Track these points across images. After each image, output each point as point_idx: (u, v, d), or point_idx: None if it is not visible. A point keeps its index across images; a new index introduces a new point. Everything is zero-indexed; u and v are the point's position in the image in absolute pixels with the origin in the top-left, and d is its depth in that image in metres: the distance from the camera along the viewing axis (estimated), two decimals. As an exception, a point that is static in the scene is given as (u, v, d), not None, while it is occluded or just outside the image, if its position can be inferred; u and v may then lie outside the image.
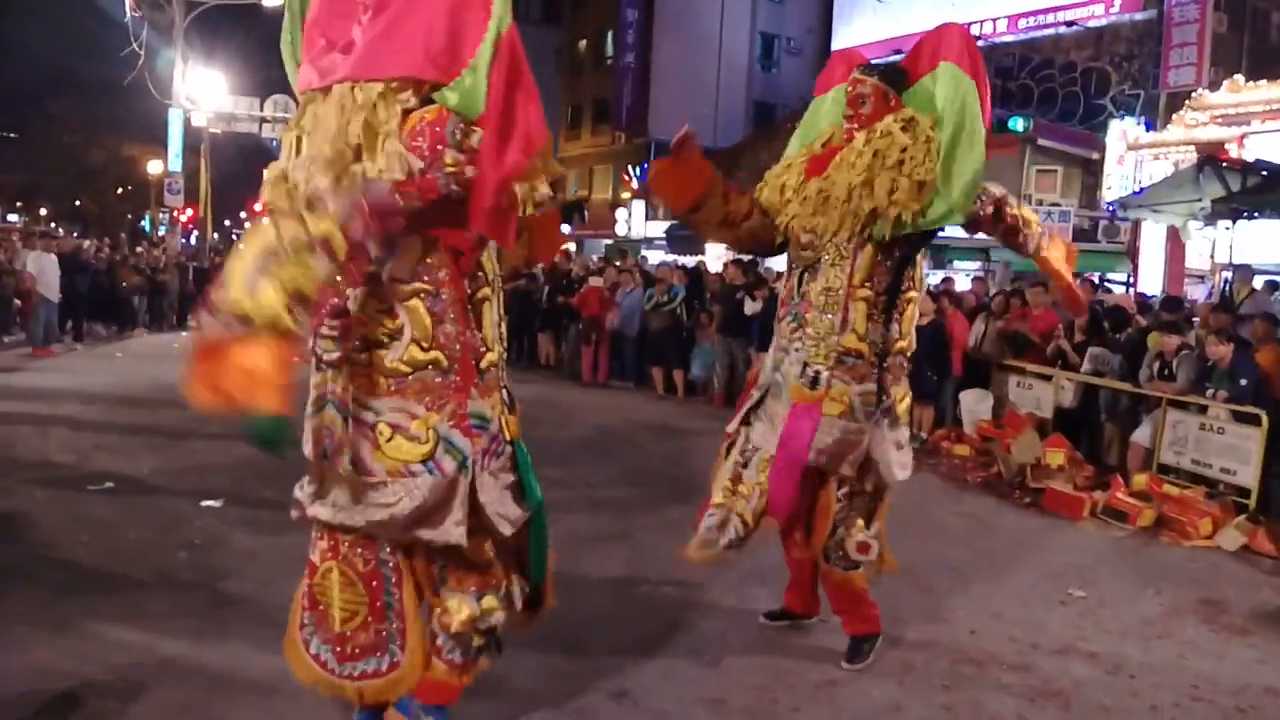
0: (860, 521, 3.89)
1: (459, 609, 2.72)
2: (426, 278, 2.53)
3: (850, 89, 3.84)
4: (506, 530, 2.72)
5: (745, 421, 4.04)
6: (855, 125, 3.78)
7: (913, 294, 3.85)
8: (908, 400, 3.96)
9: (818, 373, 3.74)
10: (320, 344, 2.58)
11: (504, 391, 2.79)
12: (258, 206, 2.83)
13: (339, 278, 2.35)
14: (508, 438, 2.76)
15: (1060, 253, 4.12)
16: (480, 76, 2.43)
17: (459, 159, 2.38)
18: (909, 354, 3.90)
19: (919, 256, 3.86)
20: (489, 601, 2.75)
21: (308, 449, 2.64)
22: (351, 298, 2.53)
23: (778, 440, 3.80)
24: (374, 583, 2.70)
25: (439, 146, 2.37)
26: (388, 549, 2.69)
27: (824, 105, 4.16)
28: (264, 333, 2.11)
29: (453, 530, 2.58)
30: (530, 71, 2.57)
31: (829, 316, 3.74)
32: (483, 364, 2.66)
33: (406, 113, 2.41)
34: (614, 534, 5.64)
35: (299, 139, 2.54)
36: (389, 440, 2.54)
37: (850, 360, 3.73)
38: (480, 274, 2.67)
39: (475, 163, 2.39)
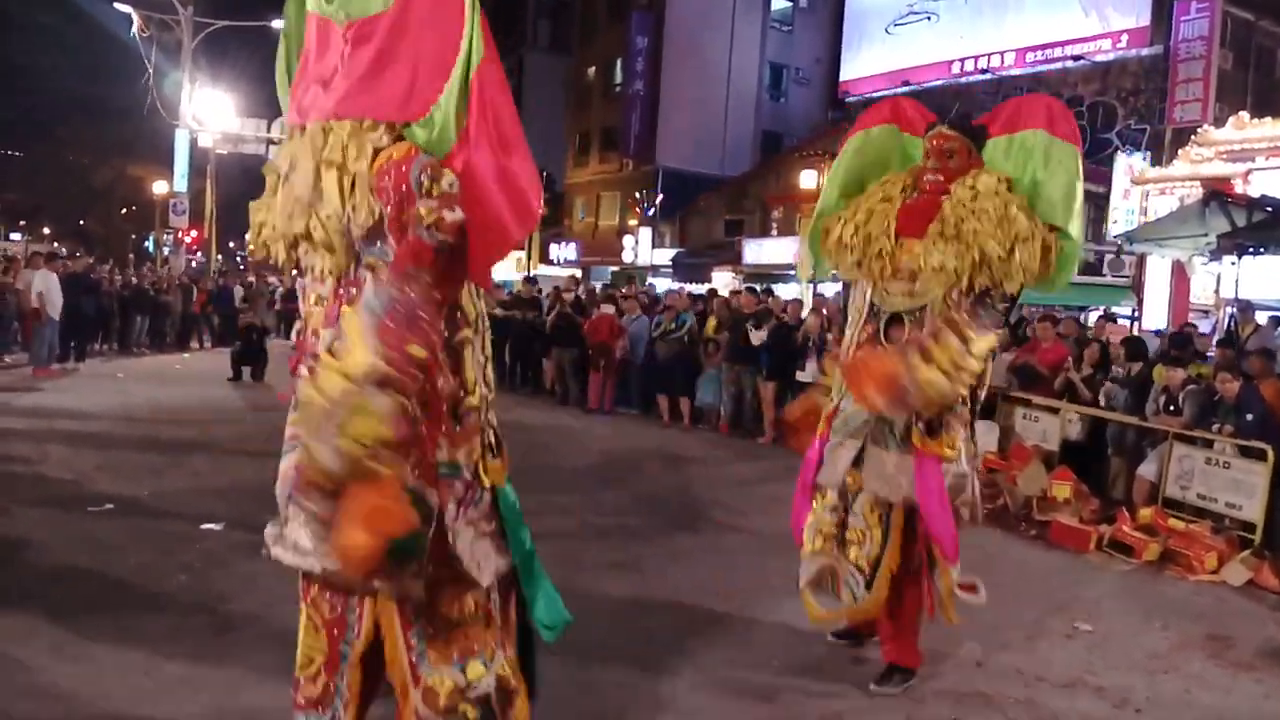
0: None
1: (441, 682, 2.46)
2: None
3: (935, 141, 3.99)
4: (485, 580, 2.49)
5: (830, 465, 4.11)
6: (942, 177, 3.92)
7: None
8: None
9: (930, 421, 3.85)
10: (299, 385, 2.40)
11: (489, 434, 2.59)
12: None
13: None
14: (486, 484, 2.54)
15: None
16: (449, 113, 2.33)
17: (433, 206, 2.20)
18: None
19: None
20: (475, 669, 2.49)
21: (278, 489, 2.53)
22: (323, 338, 2.38)
23: (897, 486, 3.89)
24: (335, 631, 2.54)
25: (403, 187, 2.24)
26: (355, 602, 2.50)
27: (869, 144, 4.29)
28: (362, 486, 2.07)
29: (409, 584, 2.38)
30: (513, 104, 2.49)
31: None
32: (461, 409, 2.46)
33: (377, 151, 2.33)
34: (620, 562, 5.60)
35: (279, 178, 2.50)
36: None
37: (958, 408, 3.89)
38: (459, 315, 2.46)
39: (453, 206, 2.22)
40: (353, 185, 2.31)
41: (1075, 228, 3.81)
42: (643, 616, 4.75)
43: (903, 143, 4.25)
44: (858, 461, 4.01)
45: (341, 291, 2.39)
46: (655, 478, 8.34)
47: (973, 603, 4.05)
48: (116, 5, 22.15)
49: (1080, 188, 3.86)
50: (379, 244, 2.32)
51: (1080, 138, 4.00)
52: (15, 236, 53.71)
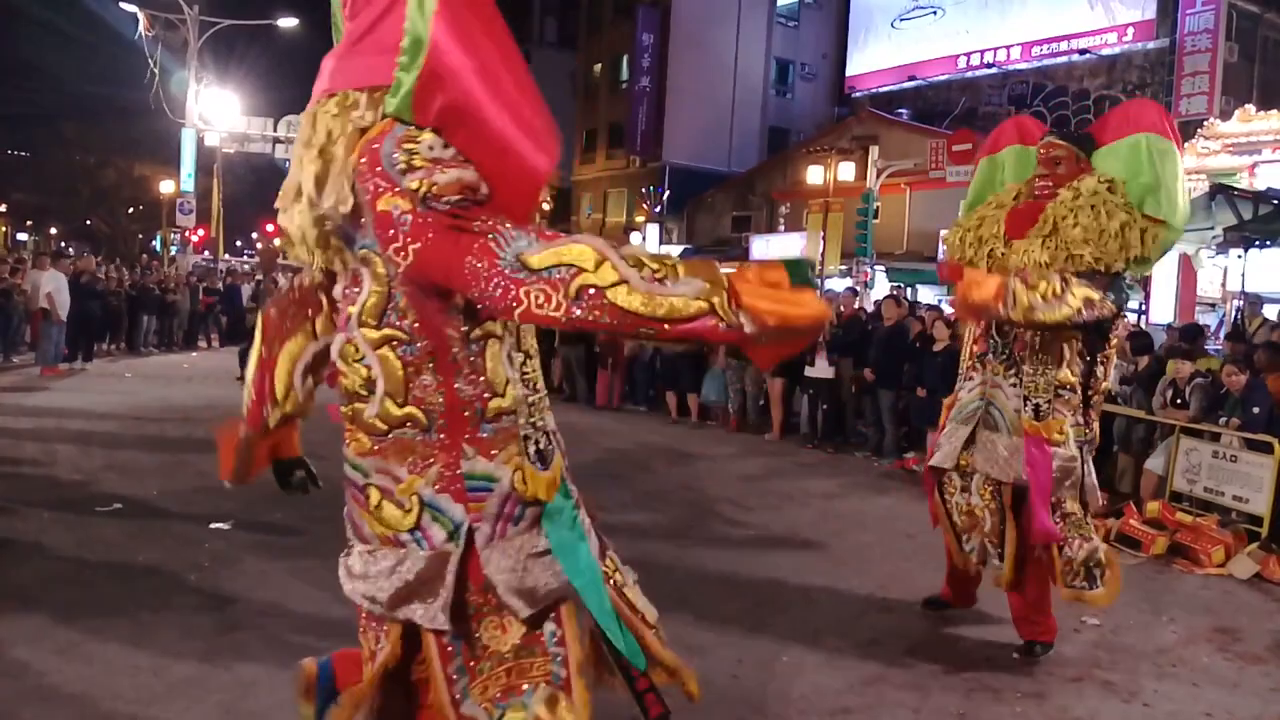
0: (1079, 541, 4.30)
1: None
2: (397, 321, 2.10)
3: (1043, 151, 4.36)
4: (523, 612, 2.18)
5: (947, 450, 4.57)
6: (1051, 183, 4.27)
7: (1114, 341, 4.47)
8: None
9: (1038, 405, 4.23)
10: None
11: (536, 440, 2.28)
12: (270, 228, 2.69)
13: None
14: (530, 496, 2.23)
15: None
16: (414, 63, 2.00)
17: (420, 178, 1.94)
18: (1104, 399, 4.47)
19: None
20: (515, 713, 2.17)
21: (345, 514, 2.28)
22: (335, 343, 2.22)
23: (1009, 467, 4.28)
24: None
25: (377, 168, 1.97)
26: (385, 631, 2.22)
27: (997, 166, 4.73)
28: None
29: (439, 614, 2.13)
30: (511, 46, 2.12)
31: (1045, 355, 4.23)
32: (489, 412, 2.18)
33: (362, 131, 2.08)
34: (627, 559, 5.57)
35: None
36: (377, 505, 2.18)
37: (1065, 394, 4.24)
38: (479, 307, 2.17)
39: (443, 166, 1.96)
40: (326, 170, 2.09)
41: (1177, 217, 4.16)
42: (650, 613, 4.75)
43: (1029, 157, 4.58)
44: (970, 444, 4.44)
45: (347, 293, 2.17)
46: (662, 474, 8.35)
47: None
48: (123, 5, 22.21)
49: (1179, 181, 4.20)
50: (359, 235, 2.09)
51: (1180, 138, 4.34)
52: (22, 236, 53.94)
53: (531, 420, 2.28)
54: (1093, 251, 4.04)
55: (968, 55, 27.26)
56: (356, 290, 2.13)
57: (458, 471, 2.16)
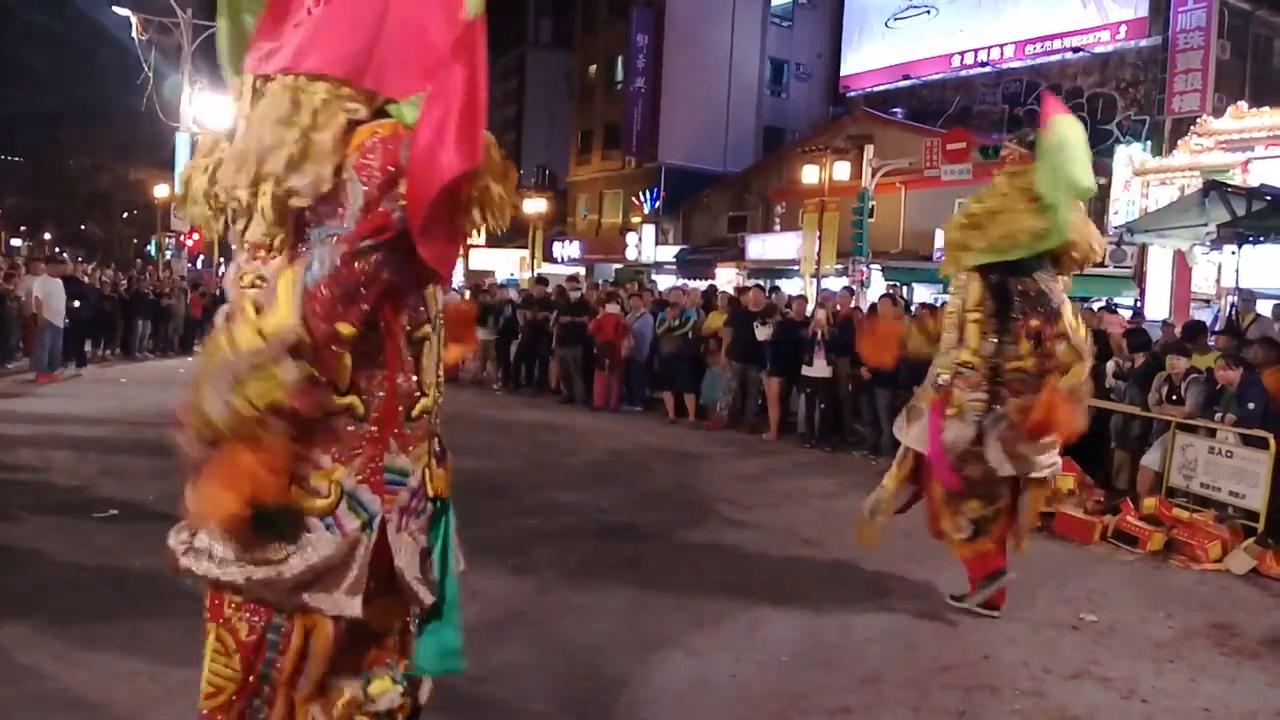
0: (970, 503, 4.78)
1: (340, 692, 2.28)
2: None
3: (1002, 154, 5.06)
4: (428, 598, 2.34)
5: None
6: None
7: (1034, 321, 4.65)
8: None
9: (939, 380, 4.85)
10: (212, 331, 2.20)
11: (435, 441, 2.42)
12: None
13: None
14: (430, 494, 2.37)
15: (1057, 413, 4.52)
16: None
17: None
18: (1030, 375, 4.65)
19: (1039, 286, 4.64)
20: (380, 683, 2.33)
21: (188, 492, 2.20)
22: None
23: (913, 436, 4.97)
24: (251, 654, 2.24)
25: (390, 168, 2.05)
26: (283, 617, 2.23)
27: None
28: (243, 446, 1.97)
29: (344, 600, 2.19)
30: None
31: (950, 336, 4.85)
32: (415, 410, 2.29)
33: (355, 124, 2.12)
34: (625, 560, 5.61)
35: (218, 138, 2.30)
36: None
37: (966, 371, 4.73)
38: (422, 309, 2.31)
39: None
40: (305, 152, 2.08)
41: (1059, 196, 4.41)
42: (649, 614, 4.75)
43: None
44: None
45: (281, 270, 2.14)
46: (660, 475, 8.35)
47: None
48: (116, 9, 22.18)
49: (1063, 158, 4.42)
50: (327, 222, 2.12)
51: (1065, 110, 4.69)
52: (16, 242, 53.83)
53: (437, 419, 2.42)
54: (981, 244, 4.64)
55: (962, 54, 27.28)
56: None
57: (380, 464, 2.23)
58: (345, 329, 2.05)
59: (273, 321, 1.97)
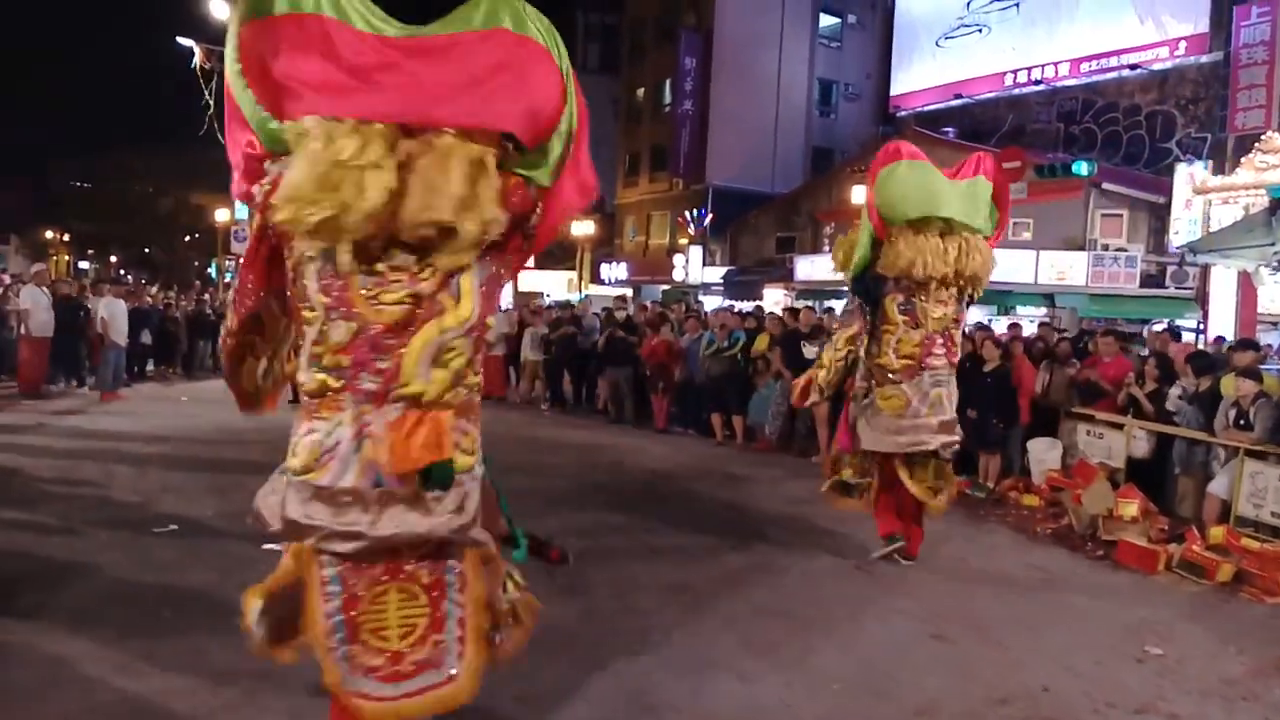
0: (846, 469, 6.39)
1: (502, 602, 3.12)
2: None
3: None
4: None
5: None
6: None
7: (888, 327, 6.00)
8: (894, 400, 5.96)
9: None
10: (366, 378, 2.76)
11: None
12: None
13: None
14: None
15: None
16: (561, 142, 2.89)
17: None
18: (890, 370, 5.97)
19: (887, 301, 6.01)
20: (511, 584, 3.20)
21: (350, 481, 2.75)
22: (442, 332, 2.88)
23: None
24: (435, 593, 2.87)
25: (524, 207, 2.84)
26: (453, 559, 2.90)
27: None
28: (441, 408, 2.75)
29: (480, 533, 2.91)
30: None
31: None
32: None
33: (478, 162, 2.72)
34: (673, 582, 5.57)
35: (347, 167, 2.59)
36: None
37: (861, 364, 6.20)
38: None
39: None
40: (494, 199, 2.73)
41: (865, 223, 6.02)
42: (697, 637, 4.71)
43: None
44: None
45: (443, 291, 2.76)
46: (708, 497, 8.29)
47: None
48: (179, 39, 22.87)
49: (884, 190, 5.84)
50: (479, 258, 2.81)
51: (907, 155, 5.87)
52: (84, 264, 55.60)
53: None
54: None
55: (1014, 73, 26.94)
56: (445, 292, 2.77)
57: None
58: (490, 320, 2.91)
59: (463, 313, 2.77)
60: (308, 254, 2.73)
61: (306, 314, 2.78)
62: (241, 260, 3.08)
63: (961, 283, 5.94)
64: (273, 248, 2.90)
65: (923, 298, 5.90)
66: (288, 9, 2.66)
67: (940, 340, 5.97)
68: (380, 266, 2.71)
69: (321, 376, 2.78)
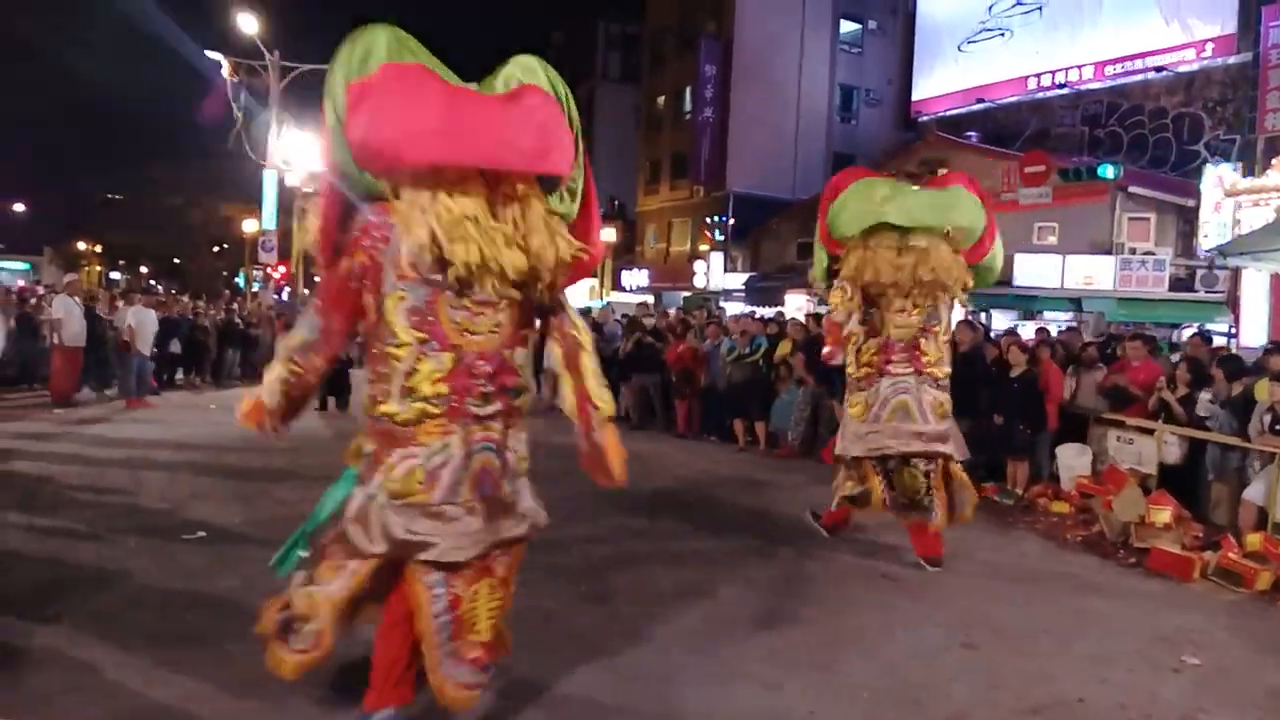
0: (848, 482, 6.44)
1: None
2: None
3: None
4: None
5: None
6: None
7: (851, 337, 6.25)
8: (857, 407, 6.23)
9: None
10: (470, 402, 3.19)
11: None
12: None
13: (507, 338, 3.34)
14: None
15: None
16: (579, 183, 3.44)
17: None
18: (856, 377, 6.30)
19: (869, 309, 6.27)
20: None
21: (463, 495, 3.20)
22: (520, 356, 3.37)
23: None
24: (508, 583, 3.44)
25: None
26: (513, 550, 3.46)
27: None
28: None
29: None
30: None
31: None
32: None
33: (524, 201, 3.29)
34: (697, 588, 5.53)
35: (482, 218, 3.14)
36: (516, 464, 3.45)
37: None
38: None
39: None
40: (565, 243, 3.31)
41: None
42: (721, 644, 4.66)
43: None
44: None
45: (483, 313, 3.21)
46: (731, 503, 8.24)
47: None
48: (208, 52, 23.13)
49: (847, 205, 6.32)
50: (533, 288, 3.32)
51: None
52: (115, 275, 56.37)
53: None
54: None
55: (1038, 76, 26.73)
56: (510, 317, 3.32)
57: None
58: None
59: (585, 338, 3.56)
60: (399, 292, 3.08)
61: (393, 350, 3.10)
62: (321, 303, 3.33)
63: (936, 290, 6.03)
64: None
65: (881, 306, 6.13)
66: (385, 58, 3.07)
67: (901, 348, 6.07)
68: (466, 301, 3.13)
69: (420, 405, 3.09)
